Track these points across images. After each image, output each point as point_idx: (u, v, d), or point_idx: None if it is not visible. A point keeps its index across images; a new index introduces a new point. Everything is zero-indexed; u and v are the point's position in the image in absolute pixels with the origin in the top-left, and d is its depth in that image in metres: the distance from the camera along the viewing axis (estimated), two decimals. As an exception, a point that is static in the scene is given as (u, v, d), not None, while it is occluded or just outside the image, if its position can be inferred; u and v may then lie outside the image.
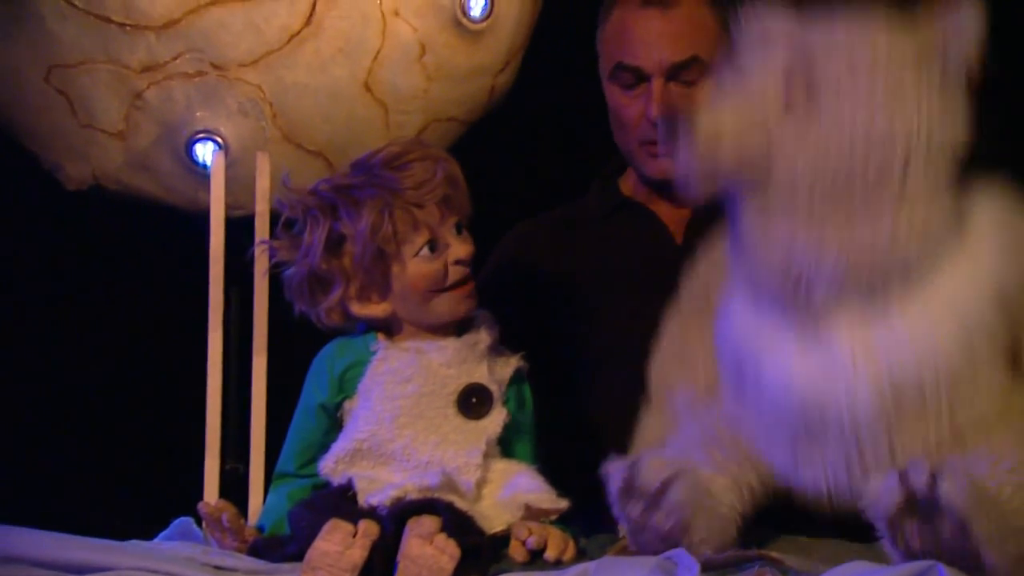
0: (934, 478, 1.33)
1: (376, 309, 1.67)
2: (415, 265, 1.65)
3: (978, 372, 1.46)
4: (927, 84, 1.45)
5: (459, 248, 1.66)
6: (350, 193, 1.65)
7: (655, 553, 1.46)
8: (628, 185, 2.07)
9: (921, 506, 1.33)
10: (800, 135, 1.46)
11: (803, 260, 1.46)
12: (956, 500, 1.32)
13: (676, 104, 1.91)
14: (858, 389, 1.46)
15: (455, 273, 1.66)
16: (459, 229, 1.68)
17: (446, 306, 1.67)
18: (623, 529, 1.55)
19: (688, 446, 1.59)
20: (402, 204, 1.64)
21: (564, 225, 2.07)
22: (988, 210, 1.51)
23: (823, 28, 1.49)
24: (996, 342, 1.47)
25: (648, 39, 1.93)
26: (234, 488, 1.94)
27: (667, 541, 1.48)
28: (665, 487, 1.46)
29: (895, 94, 1.44)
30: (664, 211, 2.03)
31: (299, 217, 1.68)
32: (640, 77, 1.95)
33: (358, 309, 1.67)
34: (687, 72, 1.93)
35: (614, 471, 1.48)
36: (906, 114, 1.44)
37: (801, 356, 1.49)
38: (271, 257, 1.71)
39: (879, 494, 1.36)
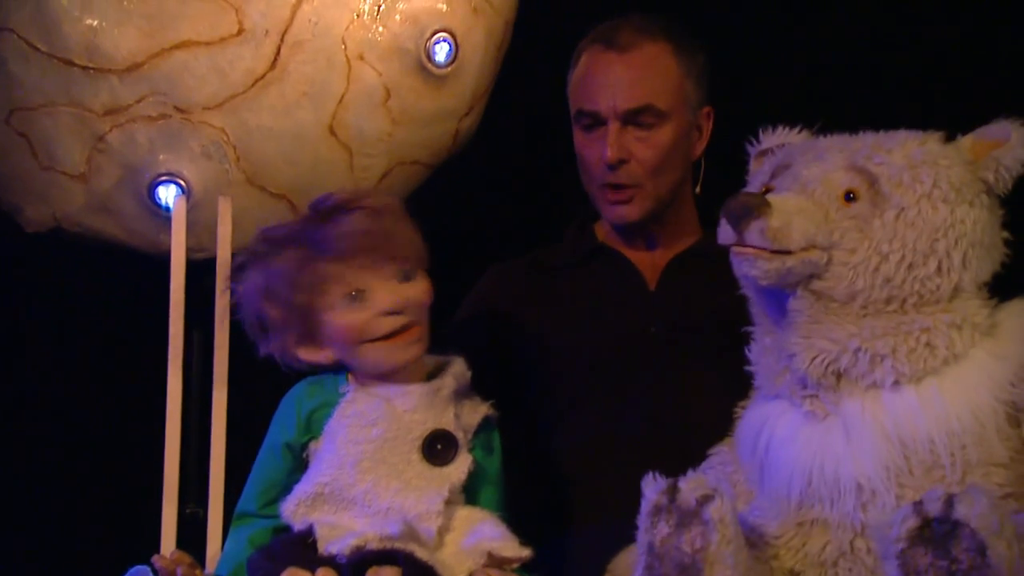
0: (951, 500, 1.32)
1: (319, 356, 1.67)
2: (338, 316, 1.64)
3: (988, 439, 1.47)
4: (979, 189, 1.52)
5: (389, 299, 1.64)
6: (275, 242, 1.67)
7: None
8: (603, 230, 2.08)
9: (936, 531, 1.32)
10: (861, 227, 1.51)
11: (861, 354, 1.50)
12: (973, 521, 1.31)
13: (630, 149, 1.94)
14: (864, 444, 1.48)
15: (388, 323, 1.64)
16: (406, 277, 1.66)
17: (380, 355, 1.65)
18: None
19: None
20: (321, 256, 1.64)
21: (539, 269, 2.08)
22: (1018, 309, 1.56)
23: (875, 135, 1.57)
24: (1010, 420, 1.49)
25: (606, 83, 1.96)
26: (194, 531, 1.92)
27: (686, 572, 1.45)
28: (701, 504, 1.44)
29: (954, 188, 1.50)
30: (639, 257, 2.04)
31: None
32: (598, 120, 1.97)
33: (303, 355, 1.67)
34: (642, 117, 1.96)
35: (651, 488, 1.47)
36: (963, 210, 1.50)
37: (810, 424, 1.53)
38: (234, 298, 1.70)
39: (892, 524, 1.35)
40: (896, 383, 1.50)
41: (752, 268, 1.53)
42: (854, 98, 2.47)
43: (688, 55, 1.99)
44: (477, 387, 1.74)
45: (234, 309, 1.71)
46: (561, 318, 2.00)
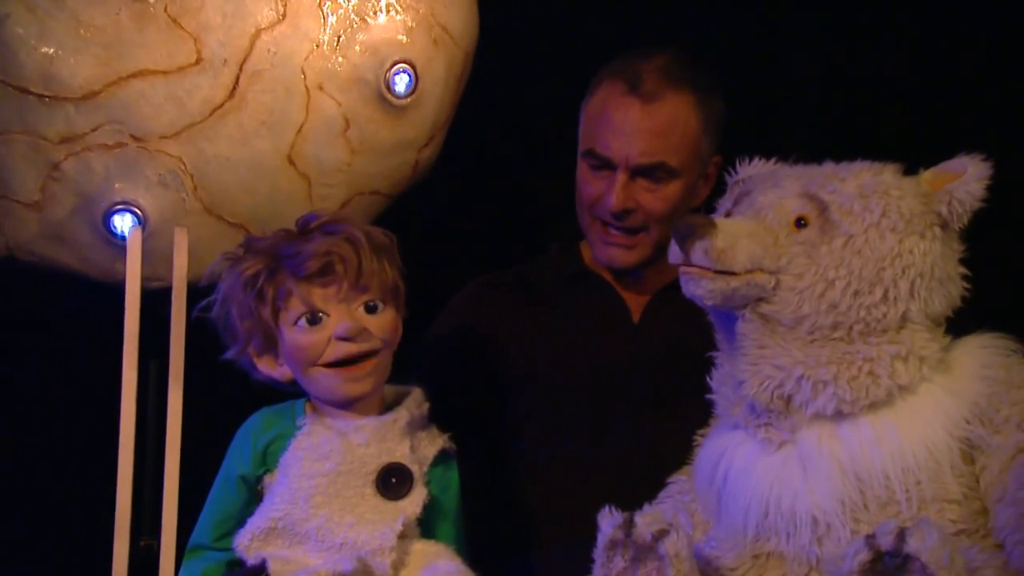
0: (902, 534, 1.33)
1: (276, 371, 1.68)
2: (292, 334, 1.65)
3: (943, 475, 1.48)
4: (931, 221, 1.53)
5: (342, 324, 1.63)
6: (253, 250, 1.68)
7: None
8: (589, 252, 2.06)
9: (888, 565, 1.33)
10: (809, 252, 1.52)
11: (804, 381, 1.51)
12: (924, 555, 1.32)
13: (637, 199, 1.93)
14: (820, 477, 1.49)
15: (337, 349, 1.63)
16: (371, 309, 1.66)
17: (330, 382, 1.65)
18: None
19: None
20: (282, 271, 1.64)
21: (522, 286, 2.06)
22: (974, 346, 1.57)
23: (834, 165, 1.58)
24: (964, 456, 1.50)
25: (623, 131, 1.93)
26: (147, 565, 1.90)
27: None
28: (657, 539, 1.45)
29: (904, 218, 1.52)
30: (625, 288, 2.03)
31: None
32: (607, 164, 1.95)
33: (261, 366, 1.68)
34: (654, 174, 1.94)
35: (607, 522, 1.47)
36: (913, 240, 1.51)
37: (767, 455, 1.53)
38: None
39: (845, 557, 1.36)
40: (840, 411, 1.51)
41: (696, 287, 1.55)
42: (830, 131, 2.50)
43: (709, 107, 1.97)
44: (448, 404, 1.73)
45: (205, 322, 1.70)
46: (544, 342, 1.99)
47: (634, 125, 1.92)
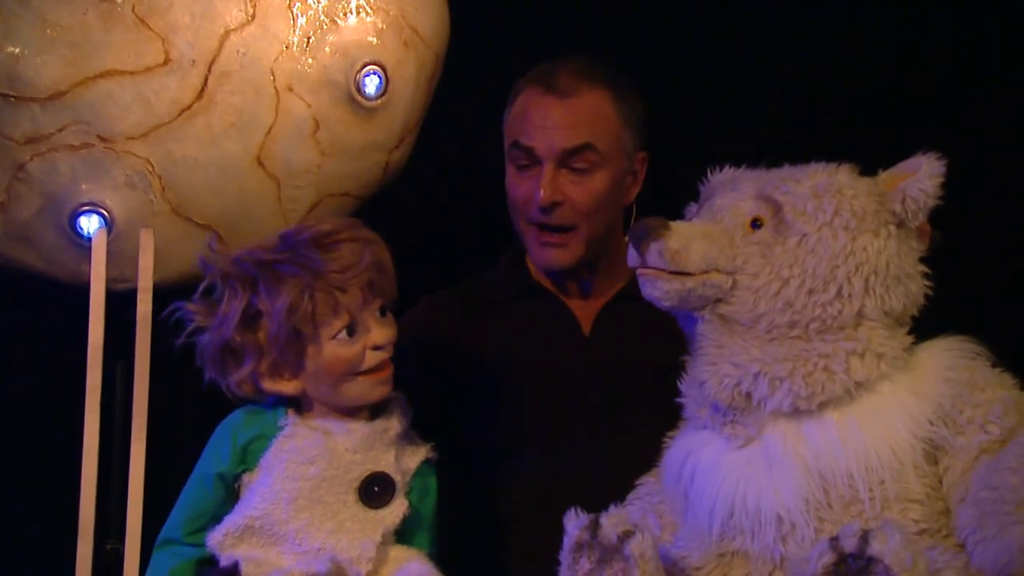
0: (866, 536, 1.34)
1: (287, 386, 1.65)
2: (331, 348, 1.63)
3: (906, 475, 1.49)
4: (886, 219, 1.54)
5: (379, 333, 1.64)
6: (272, 268, 1.63)
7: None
8: (536, 265, 2.06)
9: (851, 567, 1.34)
10: (764, 252, 1.54)
11: (761, 377, 1.52)
12: (887, 557, 1.32)
13: (564, 191, 1.94)
14: (785, 476, 1.49)
15: (372, 358, 1.64)
16: (383, 313, 1.66)
17: (358, 390, 1.65)
18: None
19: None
20: (324, 286, 1.61)
21: (472, 304, 2.05)
22: (939, 348, 1.58)
23: (791, 167, 1.60)
24: (928, 457, 1.51)
25: (545, 124, 1.94)
26: (114, 570, 1.88)
27: None
28: (623, 540, 1.45)
29: (856, 216, 1.53)
30: (573, 300, 2.03)
31: (218, 284, 1.65)
32: (533, 159, 1.96)
33: (268, 385, 1.64)
34: (579, 159, 1.94)
35: (573, 524, 1.47)
36: (866, 238, 1.52)
37: (733, 452, 1.54)
38: (187, 321, 1.66)
39: (809, 559, 1.36)
40: (797, 407, 1.52)
41: (653, 289, 1.57)
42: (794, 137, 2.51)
43: (626, 102, 1.98)
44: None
45: (179, 327, 1.67)
46: (496, 359, 1.99)
47: (555, 120, 1.94)
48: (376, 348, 1.64)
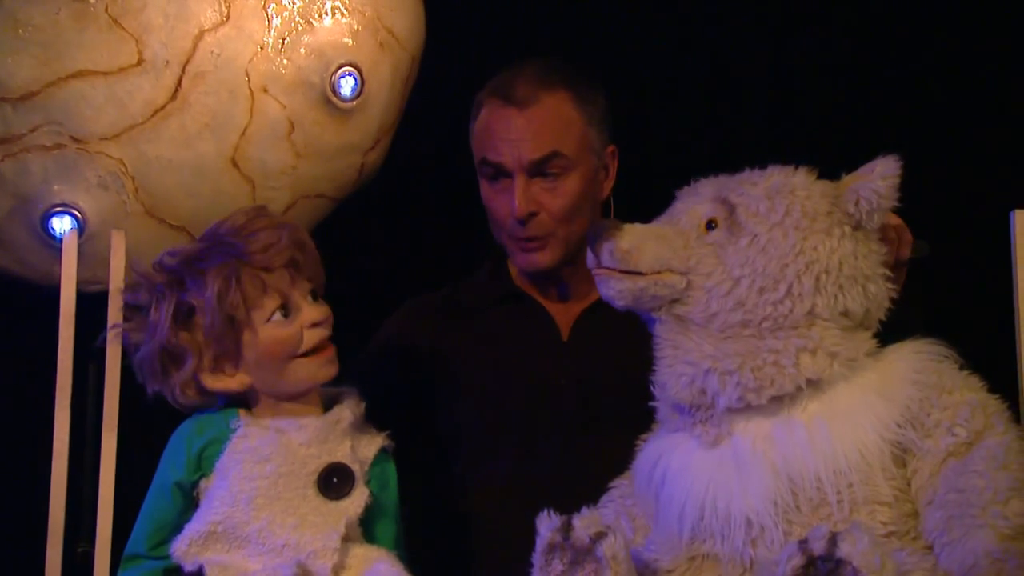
0: (834, 538, 1.35)
1: (231, 382, 1.65)
2: (267, 331, 1.64)
3: (874, 477, 1.49)
4: (839, 219, 1.55)
5: (313, 312, 1.65)
6: (195, 263, 1.64)
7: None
8: (516, 269, 2.06)
9: (820, 569, 1.34)
10: (717, 253, 1.56)
11: (711, 373, 1.53)
12: (856, 559, 1.33)
13: (539, 200, 1.94)
14: (753, 479, 1.50)
15: (311, 337, 1.65)
16: (314, 296, 1.67)
17: (305, 372, 1.65)
18: None
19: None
20: (249, 270, 1.63)
21: (453, 308, 2.05)
22: (907, 351, 1.58)
23: (750, 171, 1.62)
24: (896, 459, 1.51)
25: (509, 137, 1.93)
26: (82, 573, 1.87)
27: None
28: (595, 541, 1.45)
29: (808, 216, 1.55)
30: (553, 305, 2.03)
31: (144, 298, 1.66)
32: (503, 172, 1.95)
33: (212, 382, 1.65)
34: (549, 166, 1.93)
35: (545, 525, 1.47)
36: (818, 238, 1.54)
37: (703, 454, 1.55)
38: (124, 341, 1.68)
39: (778, 561, 1.37)
40: (747, 402, 1.52)
41: (607, 288, 1.60)
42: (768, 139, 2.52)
43: (588, 102, 1.97)
44: (383, 424, 1.72)
45: (127, 348, 1.68)
46: (474, 363, 1.98)
47: (518, 132, 1.93)
48: (313, 326, 1.64)
